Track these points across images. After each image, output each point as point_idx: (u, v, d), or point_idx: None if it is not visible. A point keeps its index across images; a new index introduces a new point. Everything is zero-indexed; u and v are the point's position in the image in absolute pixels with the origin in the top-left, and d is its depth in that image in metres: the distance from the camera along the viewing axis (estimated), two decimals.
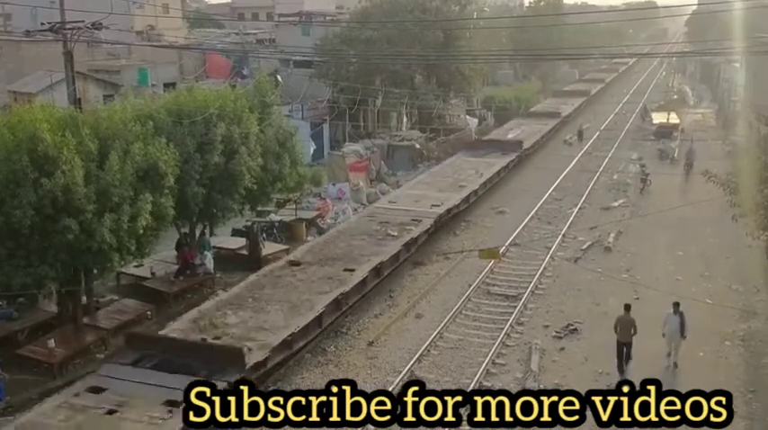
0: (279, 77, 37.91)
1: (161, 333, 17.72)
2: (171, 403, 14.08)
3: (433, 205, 28.71)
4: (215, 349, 16.27)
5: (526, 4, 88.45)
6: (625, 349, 17.79)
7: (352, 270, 21.51)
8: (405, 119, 48.91)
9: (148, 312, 20.93)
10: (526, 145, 41.23)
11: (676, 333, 17.84)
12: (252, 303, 19.32)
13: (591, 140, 48.62)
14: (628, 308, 18.10)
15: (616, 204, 33.31)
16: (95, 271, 18.90)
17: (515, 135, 44.45)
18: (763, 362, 18.13)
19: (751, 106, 40.75)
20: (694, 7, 71.03)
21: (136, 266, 22.83)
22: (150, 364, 16.00)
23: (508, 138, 43.12)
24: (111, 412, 14.15)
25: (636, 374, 16.97)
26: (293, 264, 22.39)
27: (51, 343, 17.90)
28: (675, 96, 66.05)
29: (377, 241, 24.55)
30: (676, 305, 18.03)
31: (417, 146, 42.37)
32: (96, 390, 15.00)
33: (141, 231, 18.13)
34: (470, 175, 34.24)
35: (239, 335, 17.32)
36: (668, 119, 51.61)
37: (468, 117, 52.57)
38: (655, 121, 52.20)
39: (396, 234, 25.21)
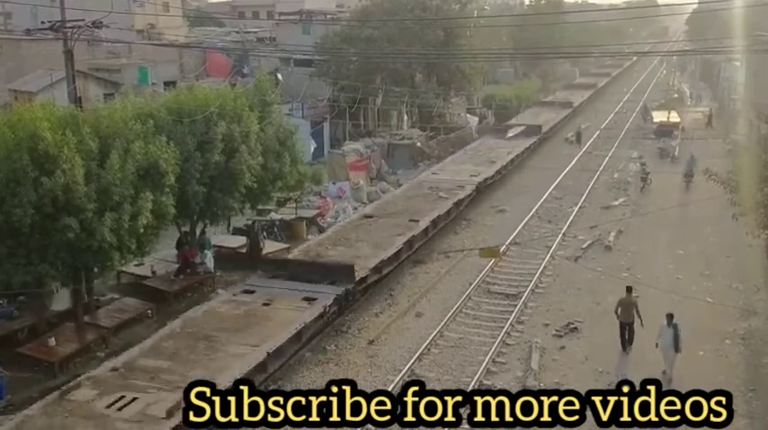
0: (279, 76, 37.92)
1: (288, 257, 23.43)
2: (307, 299, 19.49)
3: (471, 175, 33.76)
4: (333, 266, 21.52)
5: (527, 2, 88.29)
6: (627, 329, 18.59)
7: (417, 221, 26.28)
8: (405, 117, 48.91)
9: (149, 311, 20.96)
10: (545, 128, 46.90)
11: (670, 347, 17.01)
12: (344, 242, 24.33)
13: (591, 139, 48.59)
14: (629, 289, 19.05)
15: (616, 203, 33.30)
16: (96, 269, 18.90)
17: (534, 121, 49.11)
18: (763, 361, 18.11)
19: (751, 105, 40.77)
20: (695, 6, 70.92)
21: (136, 265, 22.89)
22: (283, 278, 21.07)
23: (529, 123, 47.50)
24: (266, 304, 19.36)
25: (635, 375, 16.98)
26: (367, 216, 27.65)
27: (52, 341, 17.95)
28: (676, 95, 66.02)
29: (431, 201, 29.48)
30: (670, 317, 17.24)
31: (418, 144, 42.39)
32: (249, 292, 20.37)
33: (142, 230, 18.14)
34: (500, 153, 39.21)
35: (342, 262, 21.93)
36: (668, 117, 51.60)
37: (468, 115, 52.57)
38: (655, 120, 52.18)
39: (446, 196, 30.02)
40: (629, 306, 18.52)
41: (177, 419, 13.20)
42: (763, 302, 21.54)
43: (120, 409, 14.15)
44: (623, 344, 18.66)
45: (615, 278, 23.07)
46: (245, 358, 16.15)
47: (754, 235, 20.57)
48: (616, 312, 18.70)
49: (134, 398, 14.45)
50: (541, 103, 59.31)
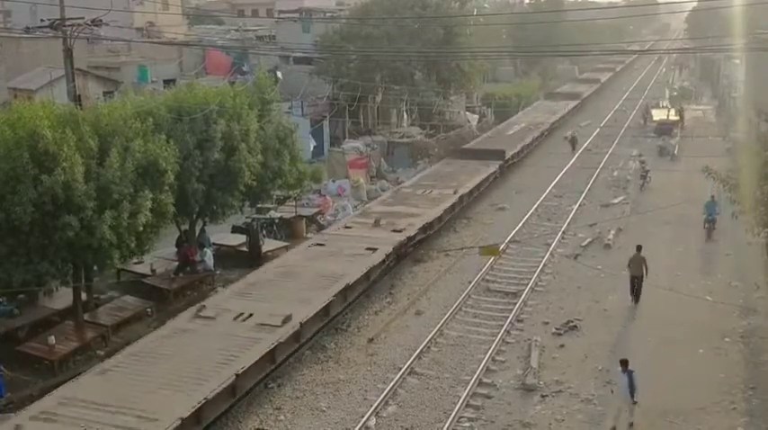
0: (279, 74, 37.86)
1: (464, 147, 39.89)
2: (484, 163, 34.74)
3: (541, 121, 48.73)
4: (491, 150, 37.65)
5: (527, 0, 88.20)
6: (636, 282, 21.30)
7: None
8: (405, 115, 48.84)
9: (148, 309, 20.97)
10: (584, 95, 63.76)
11: (626, 394, 15.14)
12: (481, 145, 40.78)
13: (591, 137, 48.55)
14: (639, 248, 21.67)
15: (616, 201, 33.31)
16: (95, 268, 18.89)
17: (574, 90, 65.58)
18: (762, 359, 18.11)
19: (751, 102, 40.75)
20: (694, 4, 70.88)
21: (136, 263, 22.88)
22: (462, 158, 36.47)
23: (572, 92, 64.66)
24: (462, 167, 34.65)
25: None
26: (488, 137, 43.56)
27: (52, 339, 17.94)
28: (675, 93, 65.94)
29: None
30: (624, 363, 15.36)
31: (417, 137, 42.39)
32: (447, 164, 35.93)
33: (141, 228, 18.16)
34: (557, 109, 55.02)
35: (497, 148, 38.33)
36: (668, 116, 51.55)
37: (468, 113, 52.50)
38: (655, 118, 52.12)
39: (533, 128, 45.66)
40: (639, 261, 21.25)
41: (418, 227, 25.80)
42: (763, 300, 21.54)
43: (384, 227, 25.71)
44: (633, 295, 21.32)
45: (615, 276, 23.09)
46: (467, 184, 31.27)
47: (753, 233, 20.56)
48: (628, 266, 21.48)
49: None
50: (576, 80, 75.84)
